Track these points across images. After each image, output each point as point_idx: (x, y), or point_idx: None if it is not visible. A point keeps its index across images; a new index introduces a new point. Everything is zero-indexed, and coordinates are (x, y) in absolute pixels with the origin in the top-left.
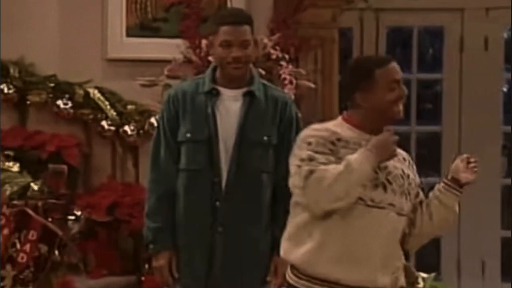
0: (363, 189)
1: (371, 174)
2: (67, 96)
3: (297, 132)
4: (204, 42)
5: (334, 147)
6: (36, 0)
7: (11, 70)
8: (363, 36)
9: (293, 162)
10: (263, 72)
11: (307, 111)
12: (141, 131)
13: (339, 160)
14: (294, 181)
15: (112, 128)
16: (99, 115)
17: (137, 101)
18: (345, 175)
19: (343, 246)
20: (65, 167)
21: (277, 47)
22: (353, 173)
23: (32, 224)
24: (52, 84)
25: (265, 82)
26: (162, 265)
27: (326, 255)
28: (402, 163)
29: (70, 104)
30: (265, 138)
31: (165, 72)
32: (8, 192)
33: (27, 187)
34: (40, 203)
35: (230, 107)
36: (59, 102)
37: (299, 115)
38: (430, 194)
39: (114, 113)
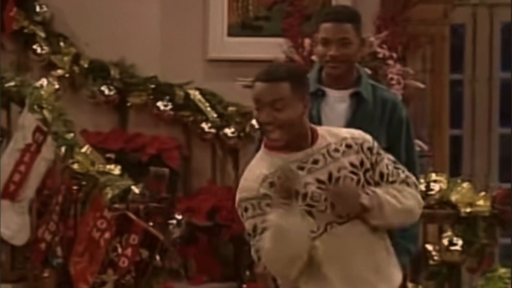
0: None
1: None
2: (167, 97)
3: (408, 135)
4: (307, 41)
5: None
6: (138, 1)
7: (112, 72)
8: (476, 33)
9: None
10: (369, 72)
11: (416, 112)
12: (242, 134)
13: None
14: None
15: (213, 130)
16: (199, 117)
17: (238, 102)
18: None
19: None
20: (166, 170)
21: (384, 45)
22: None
23: (134, 228)
24: (152, 86)
25: (373, 82)
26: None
27: None
28: (325, 162)
29: (170, 106)
30: None
31: None
32: (109, 196)
33: (128, 190)
34: (141, 207)
35: (336, 108)
36: (159, 104)
37: (409, 117)
38: None
39: (215, 115)
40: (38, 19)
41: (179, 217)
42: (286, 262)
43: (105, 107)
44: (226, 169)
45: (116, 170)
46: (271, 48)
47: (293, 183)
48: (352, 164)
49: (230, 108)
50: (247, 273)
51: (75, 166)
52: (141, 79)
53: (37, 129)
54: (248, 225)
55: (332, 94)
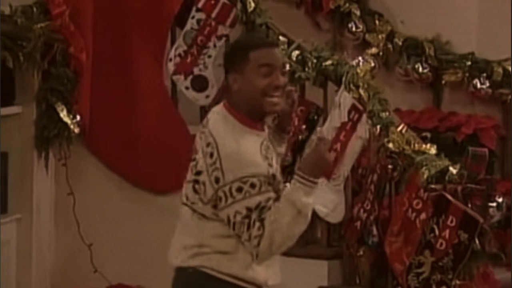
0: None
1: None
2: (484, 75)
3: None
4: None
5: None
6: None
7: (427, 49)
8: None
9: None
10: None
11: None
12: None
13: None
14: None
15: None
16: None
17: None
18: (297, 223)
19: None
20: (486, 150)
21: None
22: (303, 218)
23: (451, 209)
24: (468, 63)
25: None
26: None
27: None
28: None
29: (487, 84)
30: None
31: None
32: (425, 175)
33: (445, 170)
34: (459, 188)
35: None
36: (476, 81)
37: None
38: None
39: None
40: None
41: (500, 199)
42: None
43: (418, 85)
44: None
45: (432, 149)
46: None
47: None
48: None
49: None
50: None
51: (390, 145)
52: (457, 56)
53: (353, 108)
54: (251, 201)
55: None
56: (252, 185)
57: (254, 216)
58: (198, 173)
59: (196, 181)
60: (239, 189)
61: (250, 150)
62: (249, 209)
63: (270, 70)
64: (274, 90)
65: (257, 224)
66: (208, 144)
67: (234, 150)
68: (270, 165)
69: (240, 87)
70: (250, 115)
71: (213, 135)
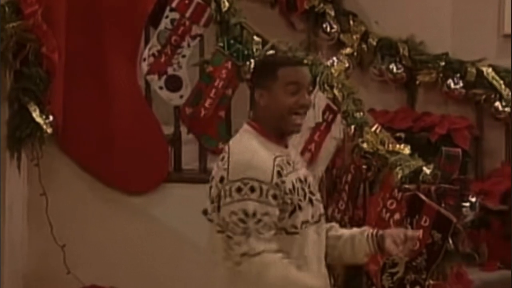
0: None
1: None
2: (458, 75)
3: None
4: None
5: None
6: None
7: (401, 49)
8: None
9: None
10: None
11: None
12: None
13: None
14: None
15: (507, 109)
16: (493, 96)
17: None
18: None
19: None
20: (459, 150)
21: None
22: None
23: (425, 209)
24: (442, 63)
25: None
26: None
27: None
28: (300, 165)
29: (461, 84)
30: None
31: None
32: (399, 176)
33: (419, 170)
34: (432, 188)
35: None
36: (450, 82)
37: None
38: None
39: (510, 94)
40: None
41: (473, 199)
42: None
43: (392, 86)
44: None
45: (406, 150)
46: None
47: None
48: None
49: None
50: None
51: (365, 145)
52: (431, 56)
53: (327, 108)
54: (247, 205)
55: None
56: (252, 189)
57: (251, 224)
58: (212, 178)
59: (210, 187)
60: (239, 190)
61: (261, 156)
62: (245, 213)
63: (298, 88)
64: (300, 109)
65: (255, 238)
66: (223, 151)
67: (244, 153)
68: (280, 174)
69: (266, 103)
70: (274, 131)
71: (228, 143)
